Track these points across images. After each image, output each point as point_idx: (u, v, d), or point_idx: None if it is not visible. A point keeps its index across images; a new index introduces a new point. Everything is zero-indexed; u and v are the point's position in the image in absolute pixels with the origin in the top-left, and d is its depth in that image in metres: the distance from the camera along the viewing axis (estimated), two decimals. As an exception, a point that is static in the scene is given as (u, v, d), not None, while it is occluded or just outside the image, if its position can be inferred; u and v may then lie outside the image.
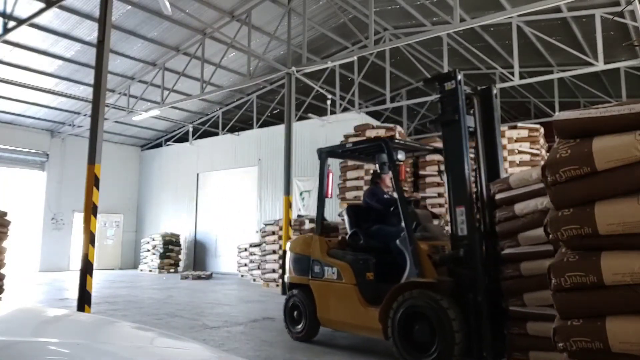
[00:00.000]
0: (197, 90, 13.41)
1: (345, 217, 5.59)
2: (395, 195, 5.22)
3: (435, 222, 6.00)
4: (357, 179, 10.35)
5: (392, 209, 5.18)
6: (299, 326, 5.28)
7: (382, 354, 4.79)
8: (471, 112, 4.35)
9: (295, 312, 5.38)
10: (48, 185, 16.56)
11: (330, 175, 5.52)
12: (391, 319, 4.24)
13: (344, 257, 5.00)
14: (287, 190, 10.52)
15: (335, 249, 5.19)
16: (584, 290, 2.07)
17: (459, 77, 4.26)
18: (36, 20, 10.15)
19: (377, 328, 4.40)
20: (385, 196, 5.44)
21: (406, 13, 11.61)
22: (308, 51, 11.67)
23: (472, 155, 4.40)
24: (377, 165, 5.70)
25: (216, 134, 17.13)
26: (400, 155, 4.87)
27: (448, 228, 7.00)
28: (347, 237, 5.41)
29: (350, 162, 10.50)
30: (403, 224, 4.54)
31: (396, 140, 5.16)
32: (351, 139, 10.49)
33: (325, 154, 5.69)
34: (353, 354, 4.81)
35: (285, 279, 5.72)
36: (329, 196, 5.52)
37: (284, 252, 10.20)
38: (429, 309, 3.98)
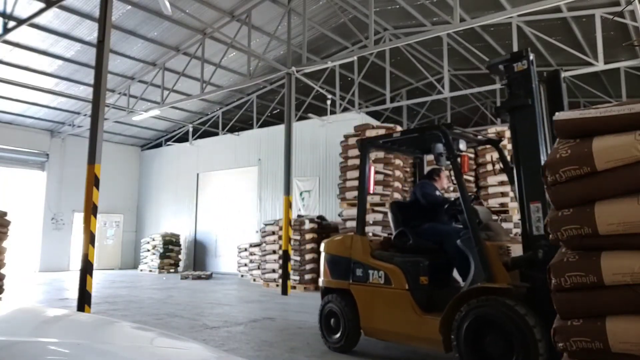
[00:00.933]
0: (197, 90, 13.41)
1: (389, 215, 5.12)
2: (451, 195, 4.82)
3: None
4: (357, 179, 10.32)
5: (443, 207, 4.73)
6: (337, 335, 4.79)
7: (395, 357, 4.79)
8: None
9: (332, 320, 4.87)
10: (48, 185, 16.56)
11: (372, 168, 5.08)
12: (456, 329, 3.75)
13: (392, 260, 4.51)
14: (287, 190, 10.53)
15: (378, 250, 4.73)
16: (584, 290, 2.07)
17: (531, 56, 3.83)
18: (36, 20, 10.15)
19: (435, 339, 3.92)
20: (437, 192, 4.97)
21: (406, 13, 11.61)
22: (308, 51, 11.67)
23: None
24: (415, 162, 5.23)
25: (216, 134, 17.13)
26: (462, 145, 4.36)
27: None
28: (392, 236, 4.93)
29: (350, 162, 10.50)
30: (467, 222, 4.05)
31: (455, 129, 4.50)
32: (349, 138, 10.54)
33: (367, 145, 5.12)
34: (358, 357, 4.80)
35: (320, 283, 5.23)
36: (371, 192, 5.09)
37: (285, 252, 10.22)
38: (505, 318, 3.48)
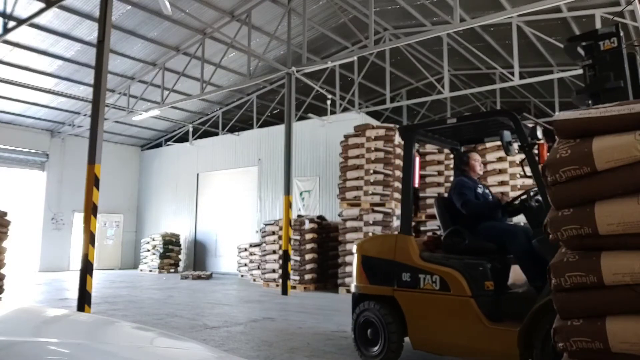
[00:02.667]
0: (197, 90, 13.42)
1: (436, 211, 4.64)
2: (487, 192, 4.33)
3: None
4: (357, 179, 10.35)
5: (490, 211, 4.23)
6: (376, 348, 4.26)
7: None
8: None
9: (370, 330, 4.35)
10: (48, 185, 16.57)
11: (417, 160, 4.59)
12: (540, 344, 3.30)
13: (448, 262, 4.00)
14: (287, 190, 10.53)
15: (425, 252, 4.25)
16: (584, 290, 2.07)
17: (621, 32, 3.39)
18: (36, 20, 10.16)
19: (509, 353, 3.46)
20: (479, 189, 4.43)
21: (406, 13, 11.61)
22: (308, 51, 11.67)
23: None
24: (451, 156, 4.72)
25: (216, 134, 17.14)
26: (539, 132, 3.80)
27: None
28: (442, 236, 4.45)
29: (350, 162, 10.50)
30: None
31: (526, 114, 3.96)
32: (350, 138, 10.54)
33: (412, 133, 4.50)
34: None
35: (352, 289, 4.68)
36: (417, 185, 4.60)
37: (285, 252, 10.22)
38: None
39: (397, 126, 10.49)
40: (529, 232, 3.89)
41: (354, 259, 4.66)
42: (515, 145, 3.94)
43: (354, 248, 4.76)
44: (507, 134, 3.79)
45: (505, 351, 3.50)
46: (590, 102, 3.50)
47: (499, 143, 9.08)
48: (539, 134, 3.80)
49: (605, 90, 3.40)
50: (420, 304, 4.06)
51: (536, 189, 3.91)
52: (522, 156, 3.96)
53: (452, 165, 10.61)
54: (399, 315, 4.16)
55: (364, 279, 4.49)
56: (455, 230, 4.27)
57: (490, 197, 4.59)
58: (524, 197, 4.12)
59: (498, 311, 3.74)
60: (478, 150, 9.96)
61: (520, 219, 5.32)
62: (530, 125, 3.97)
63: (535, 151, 4.04)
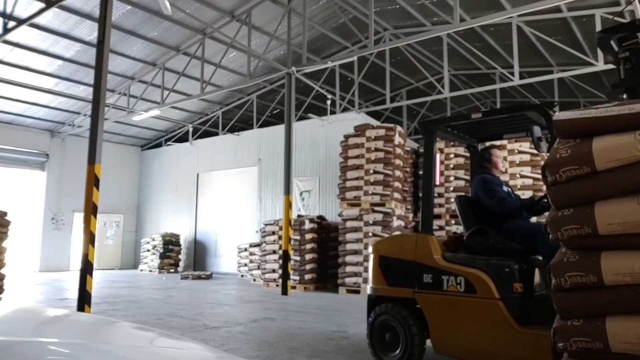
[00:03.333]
0: (197, 90, 13.42)
1: (458, 210, 4.47)
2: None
3: None
4: (357, 179, 10.35)
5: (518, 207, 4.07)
6: (395, 353, 4.08)
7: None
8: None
9: (388, 335, 4.17)
10: (48, 185, 16.57)
11: (438, 157, 4.49)
12: None
13: (473, 263, 3.82)
14: (287, 190, 10.53)
15: (447, 253, 4.06)
16: (584, 290, 2.07)
17: None
18: (36, 20, 10.16)
19: (541, 358, 3.27)
20: (505, 188, 4.24)
21: (406, 13, 11.61)
22: (308, 51, 11.68)
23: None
24: (479, 151, 4.42)
25: (216, 134, 17.14)
26: None
27: None
28: (463, 235, 4.26)
29: (350, 162, 10.50)
30: None
31: (556, 109, 3.83)
32: (350, 138, 10.55)
33: (433, 128, 4.31)
34: (357, 355, 4.80)
35: (368, 291, 4.48)
36: (438, 183, 4.48)
37: (285, 252, 10.22)
38: None
39: (396, 126, 10.49)
40: None
41: (370, 260, 4.49)
42: (545, 142, 3.79)
43: (370, 248, 4.58)
44: (537, 130, 3.65)
45: (536, 356, 3.33)
46: (625, 96, 3.37)
47: (496, 143, 9.13)
48: None
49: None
50: (443, 307, 3.89)
51: None
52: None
53: (452, 165, 10.66)
54: (420, 318, 4.02)
55: (382, 281, 4.30)
56: (479, 230, 4.08)
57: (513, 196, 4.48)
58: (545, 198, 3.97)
59: (527, 314, 3.57)
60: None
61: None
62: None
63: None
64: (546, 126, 3.73)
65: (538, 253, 3.85)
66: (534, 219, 4.35)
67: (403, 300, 4.13)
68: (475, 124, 4.36)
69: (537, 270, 3.89)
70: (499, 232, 4.01)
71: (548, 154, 3.59)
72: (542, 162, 3.80)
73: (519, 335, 3.45)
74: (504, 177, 9.45)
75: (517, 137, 4.80)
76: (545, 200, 3.96)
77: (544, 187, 3.80)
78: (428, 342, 4.05)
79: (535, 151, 8.92)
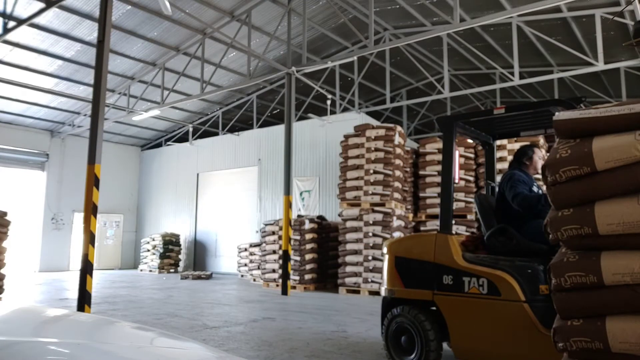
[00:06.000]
0: (197, 90, 13.42)
1: (478, 209, 4.34)
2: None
3: None
4: (357, 179, 10.35)
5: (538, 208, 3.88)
6: (412, 357, 3.97)
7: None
8: None
9: (404, 338, 4.05)
10: (48, 185, 16.57)
11: (457, 153, 4.30)
12: None
13: (497, 264, 3.67)
14: (287, 190, 10.53)
15: (467, 253, 3.91)
16: (584, 290, 2.07)
17: None
18: (36, 20, 10.16)
19: None
20: (534, 188, 4.06)
21: (406, 13, 11.61)
22: (308, 51, 11.68)
23: None
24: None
25: (216, 134, 17.14)
26: None
27: None
28: (484, 235, 4.10)
29: (350, 162, 10.50)
30: None
31: (584, 105, 3.72)
32: (350, 138, 10.54)
33: (453, 124, 4.14)
34: (357, 354, 4.80)
35: (383, 292, 4.33)
36: (457, 181, 4.38)
37: (285, 252, 10.22)
38: None
39: (396, 126, 10.48)
40: None
41: (385, 260, 4.33)
42: None
43: (384, 248, 4.41)
44: None
45: None
46: None
47: (498, 142, 9.11)
48: None
49: None
50: (464, 310, 3.74)
51: None
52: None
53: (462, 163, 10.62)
54: (438, 321, 3.89)
55: (398, 282, 4.15)
56: (501, 229, 3.92)
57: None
58: None
59: (553, 317, 3.51)
60: (478, 150, 9.95)
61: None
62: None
63: None
64: None
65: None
66: None
67: (420, 302, 4.01)
68: (495, 120, 4.23)
69: None
70: (521, 232, 3.88)
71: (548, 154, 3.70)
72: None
73: (545, 338, 3.30)
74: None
75: (535, 134, 4.65)
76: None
77: (544, 187, 3.80)
78: (444, 346, 3.97)
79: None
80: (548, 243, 3.64)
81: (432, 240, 4.02)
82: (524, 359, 3.47)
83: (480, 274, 3.67)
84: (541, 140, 9.45)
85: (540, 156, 4.31)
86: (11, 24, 10.21)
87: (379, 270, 9.62)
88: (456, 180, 4.17)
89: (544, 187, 3.82)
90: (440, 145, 10.50)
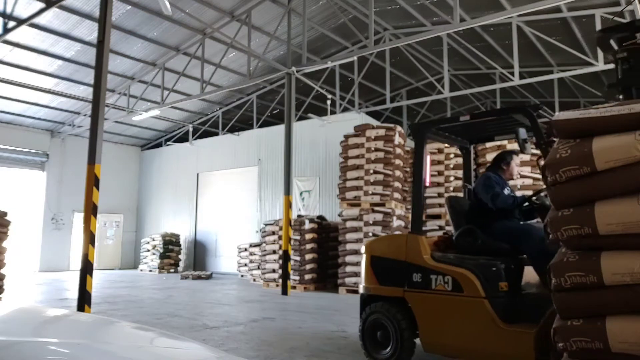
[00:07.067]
0: (197, 90, 13.42)
1: (448, 211, 4.57)
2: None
3: None
4: (357, 179, 10.35)
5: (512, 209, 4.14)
6: (386, 351, 4.17)
7: None
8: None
9: (379, 333, 4.26)
10: (48, 185, 16.57)
11: (429, 158, 4.50)
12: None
13: (462, 263, 3.90)
14: (287, 190, 10.53)
15: (436, 252, 4.13)
16: (584, 290, 2.07)
17: None
18: (36, 20, 10.15)
19: (524, 356, 3.38)
20: (506, 191, 4.25)
21: (406, 13, 11.61)
22: (308, 51, 11.67)
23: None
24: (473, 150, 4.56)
25: (216, 134, 17.14)
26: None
27: None
28: (450, 235, 4.35)
29: (350, 162, 10.51)
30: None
31: (542, 112, 3.82)
32: (349, 138, 10.55)
33: (423, 130, 4.39)
34: (356, 354, 4.80)
35: (360, 290, 4.56)
36: (428, 184, 4.51)
37: (285, 252, 10.22)
38: None
39: (396, 126, 10.49)
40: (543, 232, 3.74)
41: (363, 259, 4.55)
42: (530, 143, 3.87)
43: (363, 248, 4.65)
44: (522, 132, 3.70)
45: (520, 354, 3.40)
46: (621, 97, 3.37)
47: (499, 143, 9.13)
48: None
49: (637, 86, 3.25)
50: (431, 306, 3.97)
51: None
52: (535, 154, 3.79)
53: (452, 165, 10.66)
54: (410, 317, 4.08)
55: (373, 280, 4.38)
56: (468, 230, 4.16)
57: None
58: (535, 197, 4.04)
59: (513, 313, 3.64)
60: (478, 150, 9.95)
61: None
62: (546, 122, 3.89)
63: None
64: (531, 128, 3.76)
65: (524, 253, 3.88)
66: (534, 220, 4.35)
67: (393, 299, 4.20)
68: (467, 125, 4.40)
69: (525, 270, 3.95)
70: (486, 233, 4.09)
71: (542, 155, 3.69)
72: (541, 162, 3.82)
73: (503, 333, 3.52)
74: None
75: (507, 138, 4.82)
76: (535, 198, 4.03)
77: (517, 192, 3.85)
78: (417, 340, 4.11)
79: (535, 151, 8.92)
80: (511, 243, 3.97)
81: (403, 241, 4.26)
82: (485, 352, 3.67)
83: (446, 272, 3.89)
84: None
85: (517, 163, 4.47)
86: (11, 24, 10.20)
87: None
88: (427, 184, 4.51)
89: (517, 192, 4.00)
90: (440, 145, 10.50)
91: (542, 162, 3.65)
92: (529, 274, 3.94)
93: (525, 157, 9.82)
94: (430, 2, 10.90)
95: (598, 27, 9.65)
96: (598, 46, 3.84)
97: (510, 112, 4.07)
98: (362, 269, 4.54)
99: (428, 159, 4.39)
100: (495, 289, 3.70)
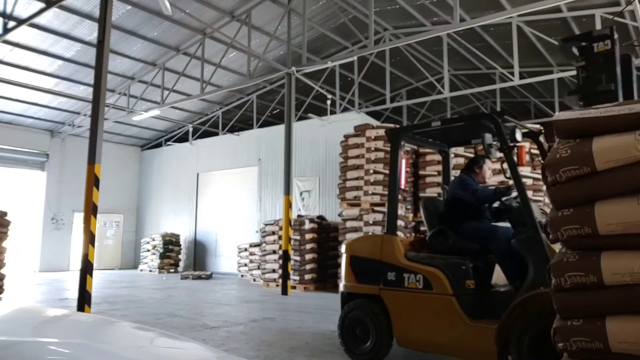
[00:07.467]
0: (197, 90, 13.41)
1: (423, 213, 4.77)
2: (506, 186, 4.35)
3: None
4: (357, 179, 10.34)
5: (487, 204, 4.35)
6: (365, 346, 4.36)
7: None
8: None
9: (358, 329, 4.44)
10: (48, 185, 16.56)
11: (404, 161, 4.65)
12: (516, 339, 3.43)
13: (432, 262, 4.09)
14: (287, 190, 10.53)
15: (410, 252, 4.33)
16: (584, 290, 2.07)
17: (616, 35, 3.45)
18: (36, 20, 10.15)
19: (487, 350, 3.57)
20: (479, 187, 4.46)
21: (406, 13, 11.61)
22: (308, 51, 11.67)
23: None
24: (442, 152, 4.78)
25: (216, 134, 17.14)
26: (518, 135, 3.87)
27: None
28: (425, 236, 4.56)
29: (350, 162, 10.50)
30: (528, 221, 3.68)
31: (507, 117, 4.12)
32: (349, 138, 10.55)
33: (398, 135, 4.60)
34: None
35: (341, 288, 4.75)
36: (403, 187, 4.70)
37: (285, 252, 10.22)
38: None
39: (397, 126, 10.49)
40: (510, 232, 3.95)
41: (343, 259, 4.74)
42: (495, 148, 4.03)
43: (343, 248, 4.83)
44: (488, 137, 3.87)
45: (484, 348, 3.60)
46: (581, 103, 3.56)
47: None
48: (518, 136, 3.89)
49: (597, 92, 3.45)
50: (404, 303, 4.16)
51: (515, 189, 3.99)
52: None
53: (451, 166, 10.63)
54: (386, 313, 4.25)
55: (352, 278, 4.58)
56: (440, 231, 4.36)
57: None
58: (505, 199, 4.19)
59: (479, 309, 3.83)
60: (479, 150, 9.96)
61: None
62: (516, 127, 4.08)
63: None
64: (496, 133, 3.92)
65: (491, 253, 4.07)
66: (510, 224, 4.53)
67: (370, 297, 4.39)
68: (443, 130, 4.63)
69: (496, 268, 4.13)
70: (457, 233, 4.28)
71: (505, 160, 3.86)
72: (537, 162, 3.93)
73: (469, 328, 3.73)
74: (503, 177, 9.45)
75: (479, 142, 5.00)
76: (505, 199, 4.19)
77: (544, 187, 3.96)
78: None
79: (534, 151, 8.98)
80: (479, 243, 4.15)
81: (379, 241, 4.46)
82: (453, 346, 3.89)
83: (417, 270, 4.11)
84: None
85: (489, 167, 4.70)
86: (11, 24, 10.20)
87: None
88: (402, 186, 4.63)
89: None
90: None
91: (531, 164, 3.90)
92: (500, 273, 4.11)
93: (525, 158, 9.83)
94: (430, 2, 10.90)
95: (598, 27, 9.64)
96: (561, 53, 4.06)
97: (477, 118, 4.34)
98: (342, 267, 4.75)
99: (403, 163, 4.63)
100: (462, 287, 3.89)
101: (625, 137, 1.99)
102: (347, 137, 10.71)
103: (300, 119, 14.58)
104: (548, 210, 3.99)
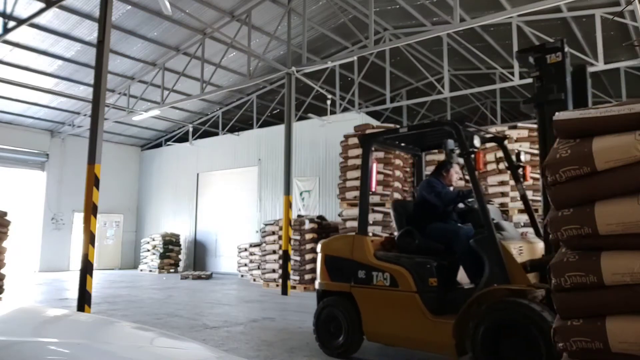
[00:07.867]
0: (197, 90, 13.41)
1: (392, 214, 4.99)
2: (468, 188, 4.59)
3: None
4: (357, 179, 10.33)
5: (452, 206, 4.60)
6: (337, 341, 4.60)
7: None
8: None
9: (332, 325, 4.68)
10: (48, 185, 16.57)
11: (375, 166, 4.82)
12: (471, 333, 3.64)
13: (398, 261, 4.33)
14: (287, 190, 10.53)
15: (380, 251, 4.55)
16: (584, 290, 2.07)
17: (566, 48, 3.67)
18: (36, 20, 10.15)
19: (447, 343, 3.82)
20: (446, 190, 4.72)
21: (406, 13, 11.61)
22: (308, 51, 11.67)
23: None
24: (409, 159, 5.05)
25: (216, 134, 17.13)
26: (476, 141, 4.13)
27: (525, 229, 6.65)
28: (394, 236, 4.79)
29: (350, 162, 10.51)
30: (483, 222, 3.89)
31: (467, 124, 4.39)
32: (349, 138, 10.55)
33: (369, 141, 4.89)
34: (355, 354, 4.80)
35: (317, 286, 4.98)
36: (373, 190, 4.87)
37: (285, 252, 10.22)
38: (525, 320, 3.38)
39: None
40: (471, 233, 4.13)
41: (318, 258, 4.96)
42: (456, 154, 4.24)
43: (319, 247, 5.04)
44: (450, 142, 4.11)
45: (444, 341, 3.86)
46: (536, 111, 3.77)
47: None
48: (477, 142, 4.13)
49: (548, 101, 3.65)
50: (373, 299, 4.39)
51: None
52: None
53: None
54: (357, 310, 4.49)
55: (326, 277, 4.81)
56: (407, 231, 4.59)
57: None
58: (469, 200, 4.42)
59: (441, 306, 4.06)
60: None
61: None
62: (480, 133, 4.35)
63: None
64: (457, 139, 4.15)
65: (454, 252, 4.27)
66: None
67: (342, 294, 4.65)
68: (414, 136, 4.90)
69: (460, 267, 4.35)
70: (423, 234, 4.52)
71: (465, 164, 4.05)
72: (533, 163, 4.04)
73: (431, 323, 3.99)
74: (503, 177, 9.45)
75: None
76: (469, 201, 4.41)
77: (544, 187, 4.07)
78: None
79: (535, 151, 8.98)
80: (444, 243, 4.36)
81: (351, 241, 4.71)
82: (417, 340, 4.16)
83: (385, 269, 4.35)
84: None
85: (456, 171, 4.94)
86: (11, 24, 10.20)
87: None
88: (373, 189, 4.82)
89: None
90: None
91: (464, 172, 4.11)
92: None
93: (524, 158, 9.84)
94: (430, 2, 10.90)
95: (598, 27, 9.65)
96: (519, 63, 4.36)
97: (439, 124, 4.66)
98: (318, 266, 4.97)
99: (374, 167, 4.81)
100: (426, 285, 4.15)
101: (625, 137, 1.99)
102: (347, 137, 10.71)
103: (300, 119, 14.58)
104: (542, 211, 4.14)
